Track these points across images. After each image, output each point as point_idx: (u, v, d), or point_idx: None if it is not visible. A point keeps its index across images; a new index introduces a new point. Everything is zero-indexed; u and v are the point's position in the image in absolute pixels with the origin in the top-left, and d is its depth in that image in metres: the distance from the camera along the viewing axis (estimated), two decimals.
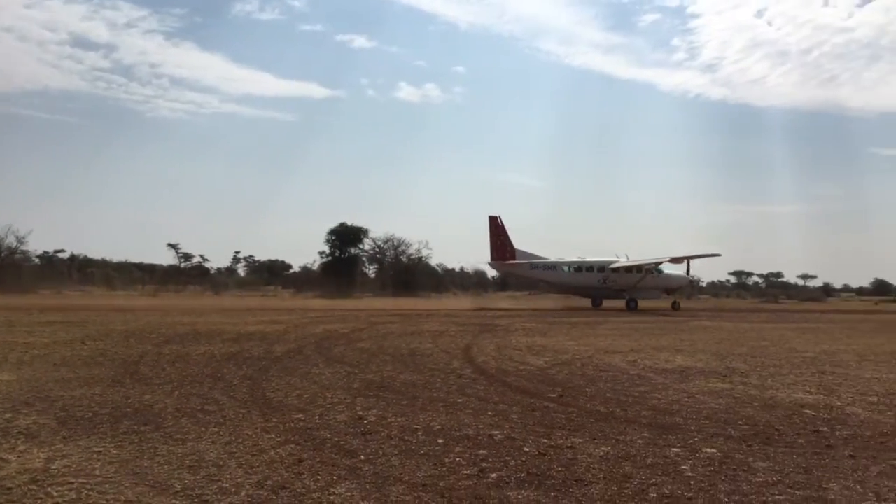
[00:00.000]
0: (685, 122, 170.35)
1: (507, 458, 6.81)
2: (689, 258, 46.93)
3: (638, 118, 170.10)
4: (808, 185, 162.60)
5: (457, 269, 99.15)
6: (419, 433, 7.83)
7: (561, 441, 7.54)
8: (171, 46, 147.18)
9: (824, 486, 6.02)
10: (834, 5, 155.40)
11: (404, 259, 79.00)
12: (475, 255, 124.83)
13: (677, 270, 47.79)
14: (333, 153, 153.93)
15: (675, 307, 45.98)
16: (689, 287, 56.60)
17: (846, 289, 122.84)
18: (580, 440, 7.59)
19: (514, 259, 47.71)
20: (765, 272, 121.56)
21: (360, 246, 78.42)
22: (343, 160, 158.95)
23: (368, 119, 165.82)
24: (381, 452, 6.96)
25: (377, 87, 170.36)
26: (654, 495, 5.69)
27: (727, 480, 6.13)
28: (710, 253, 49.14)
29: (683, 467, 6.56)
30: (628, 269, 46.45)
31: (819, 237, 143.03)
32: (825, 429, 8.34)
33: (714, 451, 7.20)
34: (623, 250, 49.70)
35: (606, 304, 47.82)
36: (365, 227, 77.42)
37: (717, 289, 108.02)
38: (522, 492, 5.73)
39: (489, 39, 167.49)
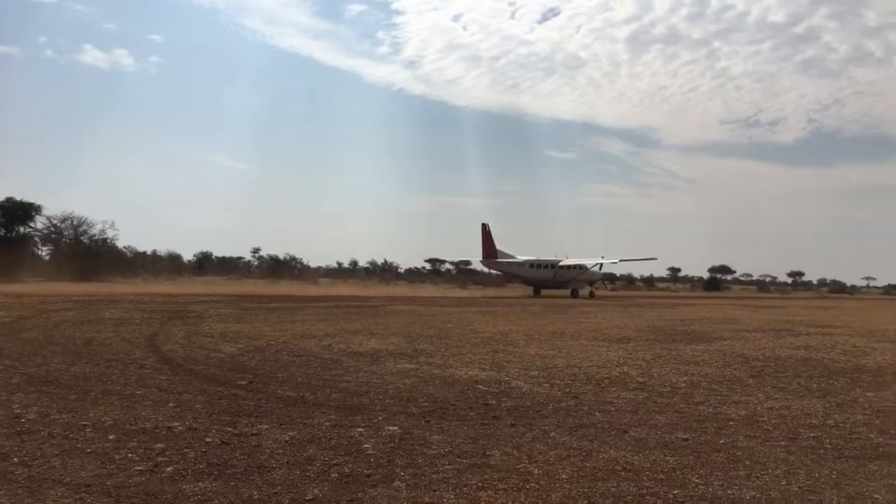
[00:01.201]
0: (389, 114, 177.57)
1: (186, 450, 6.47)
2: (618, 261, 61.67)
3: (344, 106, 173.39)
4: (497, 181, 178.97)
5: (148, 252, 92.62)
6: (87, 430, 7.11)
7: (246, 429, 7.37)
8: None
9: (488, 452, 6.64)
10: (519, 19, 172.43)
11: (85, 240, 71.27)
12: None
13: (595, 269, 59.96)
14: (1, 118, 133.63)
15: (591, 295, 57.78)
16: (602, 280, 70.88)
17: None
18: (266, 426, 7.48)
19: (497, 258, 58.57)
20: (456, 260, 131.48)
21: (31, 224, 69.12)
22: (13, 126, 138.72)
23: (46, 82, 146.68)
24: (39, 453, 6.20)
25: (57, 46, 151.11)
26: (336, 475, 5.80)
27: (405, 455, 6.47)
28: (647, 257, 75.42)
29: (366, 446, 6.79)
30: (570, 267, 58.55)
31: (504, 228, 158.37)
32: (493, 401, 9.22)
33: (396, 428, 7.56)
34: (558, 251, 61.00)
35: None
36: (38, 203, 68.41)
37: (413, 275, 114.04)
38: (200, 484, 5.48)
39: (189, 9, 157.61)
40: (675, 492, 5.60)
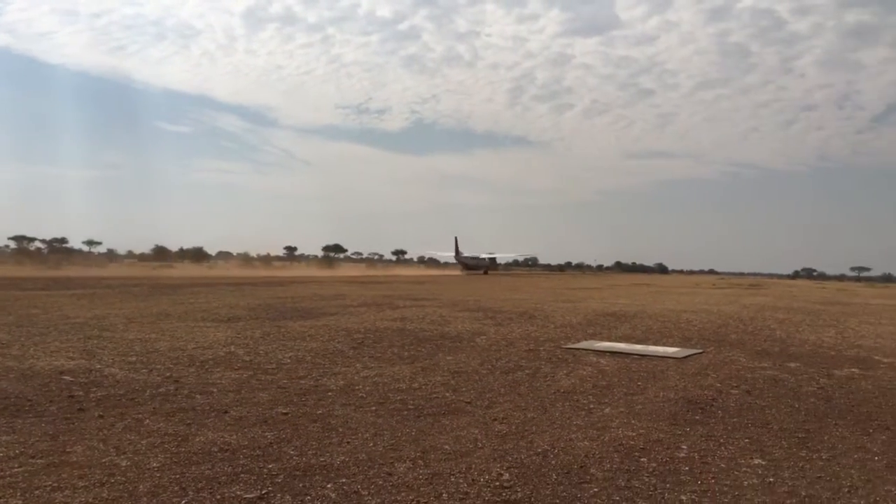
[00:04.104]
0: None
1: None
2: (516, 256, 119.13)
3: None
4: (96, 151, 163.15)
5: None
6: None
7: None
8: None
9: (69, 449, 6.00)
10: None
11: None
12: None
13: (487, 258, 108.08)
14: None
15: (486, 272, 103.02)
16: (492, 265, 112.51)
17: (130, 255, 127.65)
18: None
19: (459, 255, 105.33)
20: (48, 237, 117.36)
21: None
22: None
23: None
24: None
25: None
26: None
27: None
28: (528, 255, 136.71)
29: None
30: (484, 258, 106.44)
31: (105, 204, 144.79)
32: (80, 393, 8.36)
33: None
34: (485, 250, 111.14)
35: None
36: None
37: None
38: None
39: None
40: (271, 466, 5.70)
